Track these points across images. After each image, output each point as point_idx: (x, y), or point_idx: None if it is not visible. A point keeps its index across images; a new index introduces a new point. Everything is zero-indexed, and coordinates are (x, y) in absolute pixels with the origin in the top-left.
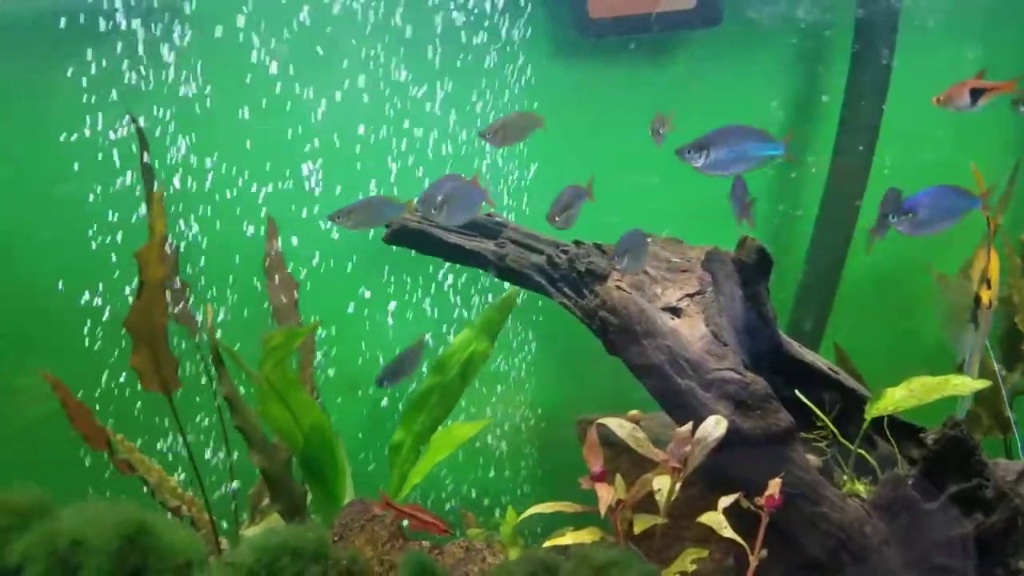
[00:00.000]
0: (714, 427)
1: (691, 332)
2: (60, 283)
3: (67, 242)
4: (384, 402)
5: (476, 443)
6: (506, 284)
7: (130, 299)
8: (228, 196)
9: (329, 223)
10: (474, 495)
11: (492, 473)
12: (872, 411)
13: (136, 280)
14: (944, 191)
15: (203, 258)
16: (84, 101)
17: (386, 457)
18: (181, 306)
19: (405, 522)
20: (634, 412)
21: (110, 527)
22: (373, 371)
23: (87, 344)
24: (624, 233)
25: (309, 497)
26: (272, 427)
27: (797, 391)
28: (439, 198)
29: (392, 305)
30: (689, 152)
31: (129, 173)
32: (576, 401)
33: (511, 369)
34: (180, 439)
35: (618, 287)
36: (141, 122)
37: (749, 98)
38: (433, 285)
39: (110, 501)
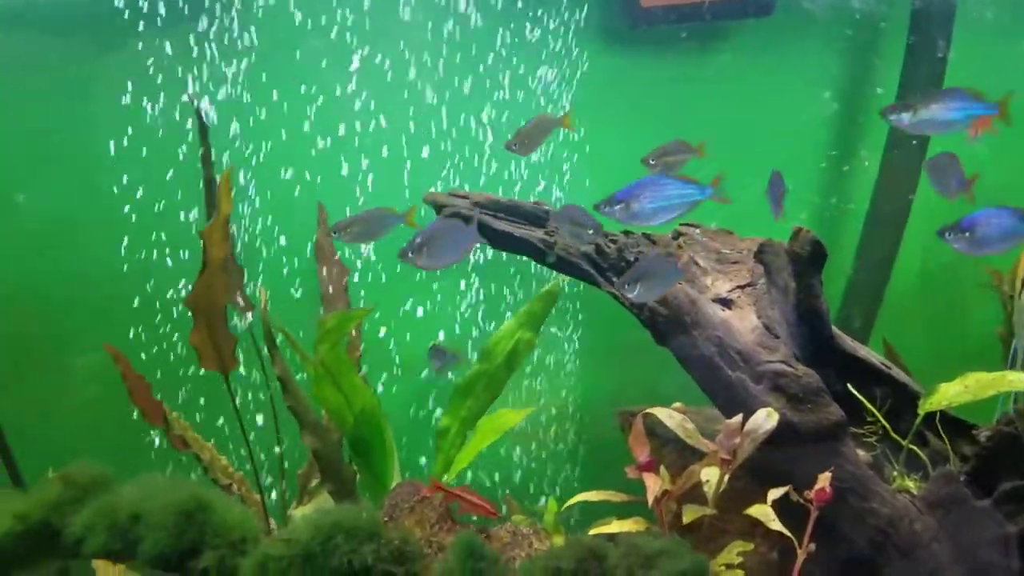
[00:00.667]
0: (765, 420)
1: (742, 324)
2: (119, 268)
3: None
4: (424, 374)
5: (516, 431)
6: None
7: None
8: (279, 181)
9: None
10: (514, 482)
11: (533, 461)
12: (926, 406)
13: None
14: (1003, 212)
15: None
16: (141, 90)
17: (426, 441)
18: (238, 289)
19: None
20: (678, 404)
21: (169, 503)
22: (416, 357)
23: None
24: (643, 258)
25: (358, 478)
26: (324, 409)
27: (849, 385)
28: (418, 240)
29: (436, 291)
30: (606, 207)
31: (185, 160)
32: (613, 395)
33: (552, 359)
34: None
35: None
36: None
37: (801, 89)
38: (478, 273)
39: (169, 477)
